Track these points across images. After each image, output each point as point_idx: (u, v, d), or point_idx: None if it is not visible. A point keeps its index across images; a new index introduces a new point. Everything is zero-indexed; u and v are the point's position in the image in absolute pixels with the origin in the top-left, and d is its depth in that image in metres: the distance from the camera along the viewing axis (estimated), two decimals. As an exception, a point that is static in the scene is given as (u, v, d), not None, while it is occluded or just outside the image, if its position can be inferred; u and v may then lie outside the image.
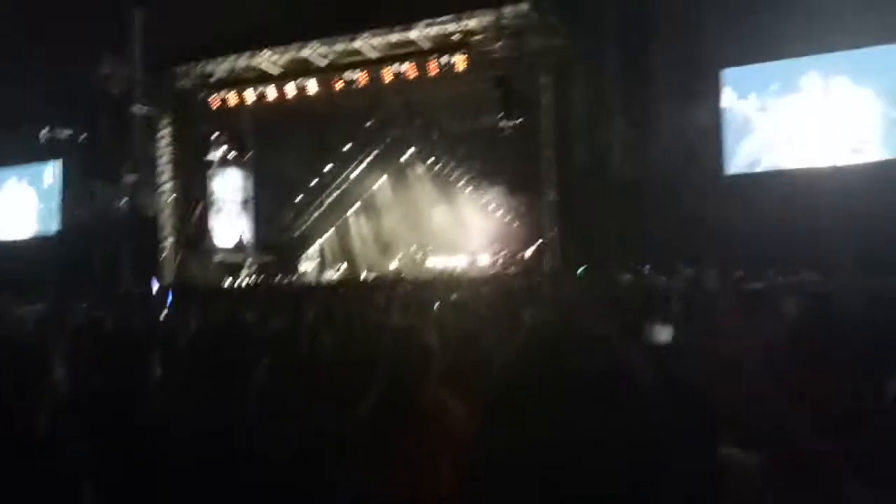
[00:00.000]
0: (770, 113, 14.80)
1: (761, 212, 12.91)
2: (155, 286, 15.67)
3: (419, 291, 9.39)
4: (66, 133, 20.80)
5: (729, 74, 15.01)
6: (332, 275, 19.68)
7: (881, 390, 1.80)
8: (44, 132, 21.07)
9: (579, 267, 14.39)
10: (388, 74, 16.43)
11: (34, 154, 21.26)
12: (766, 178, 14.35)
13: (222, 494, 1.86)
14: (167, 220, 19.33)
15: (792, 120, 14.63)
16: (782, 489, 1.58)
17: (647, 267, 12.76)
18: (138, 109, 19.15)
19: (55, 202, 21.14)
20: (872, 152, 13.77)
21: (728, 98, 15.00)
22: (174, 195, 19.41)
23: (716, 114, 14.94)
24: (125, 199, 19.19)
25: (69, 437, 2.13)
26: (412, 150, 22.12)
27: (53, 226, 21.03)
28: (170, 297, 12.02)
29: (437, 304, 6.35)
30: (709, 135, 14.84)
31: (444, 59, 15.78)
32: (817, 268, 9.34)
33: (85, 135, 19.68)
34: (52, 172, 21.24)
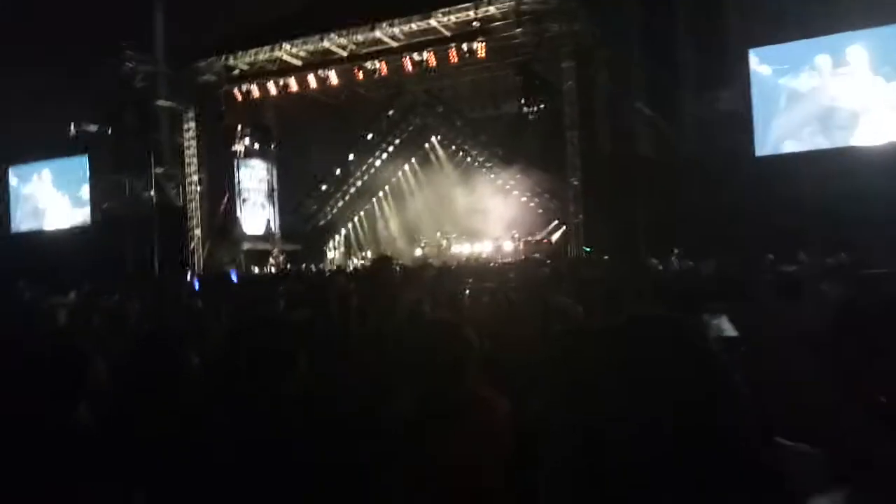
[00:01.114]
0: (801, 93, 14.50)
1: (792, 193, 12.70)
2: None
3: (445, 278, 9.38)
4: (93, 127, 21.09)
5: (757, 54, 14.71)
6: (357, 262, 19.78)
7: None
8: (71, 127, 21.40)
9: (605, 251, 14.30)
10: (408, 63, 16.38)
11: (62, 148, 21.60)
12: (797, 160, 14.08)
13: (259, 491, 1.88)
14: (195, 211, 19.57)
15: (823, 100, 14.33)
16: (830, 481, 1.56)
17: (676, 251, 12.63)
18: (163, 103, 19.37)
19: (84, 195, 21.47)
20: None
21: (757, 79, 14.70)
22: (201, 187, 19.63)
23: (745, 95, 14.66)
24: (153, 192, 19.48)
25: (111, 429, 2.17)
26: (435, 137, 22.09)
27: (83, 218, 21.38)
28: (197, 285, 12.17)
29: (466, 291, 6.34)
30: (737, 117, 14.58)
31: (464, 47, 15.68)
32: (852, 249, 9.17)
33: (111, 129, 19.92)
34: (80, 166, 21.55)
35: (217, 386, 2.55)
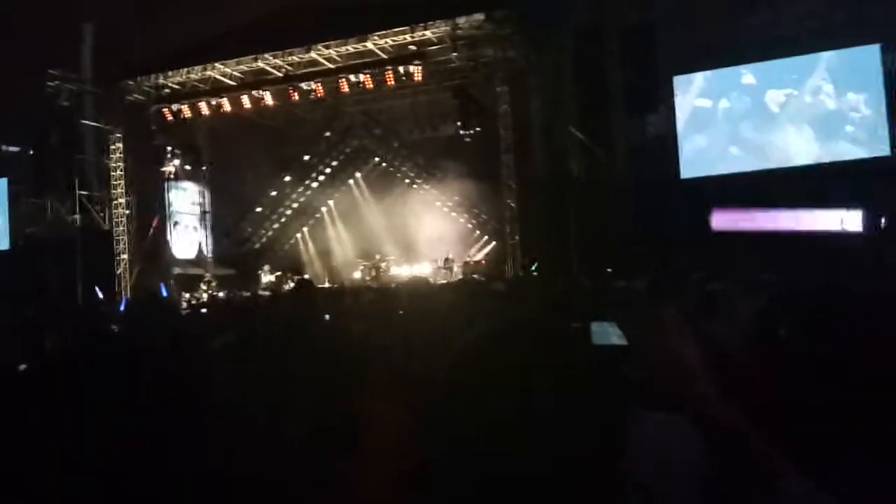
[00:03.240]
0: (724, 117, 15.15)
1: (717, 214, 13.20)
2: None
3: (382, 299, 9.32)
4: (13, 149, 20.22)
5: (682, 81, 15.31)
6: (292, 286, 19.46)
7: (829, 392, 1.83)
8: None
9: (537, 271, 14.55)
10: (345, 85, 16.37)
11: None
12: (722, 182, 14.66)
13: None
14: (122, 234, 18.91)
15: (744, 124, 15.00)
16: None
17: (609, 270, 12.90)
18: (89, 123, 18.75)
19: (2, 219, 20.47)
20: (824, 154, 14.17)
21: (682, 104, 15.29)
22: (129, 210, 19.01)
23: (670, 120, 15.21)
24: (77, 215, 18.74)
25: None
26: (372, 159, 22.08)
27: (1, 243, 20.37)
28: (122, 307, 11.80)
29: (399, 311, 6.30)
30: (664, 140, 15.12)
31: (401, 69, 15.79)
32: (774, 269, 9.56)
33: (33, 150, 19.12)
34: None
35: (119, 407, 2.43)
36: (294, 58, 16.58)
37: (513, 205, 16.18)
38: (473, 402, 1.19)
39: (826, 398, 1.94)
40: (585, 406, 1.19)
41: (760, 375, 2.50)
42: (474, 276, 16.27)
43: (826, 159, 13.91)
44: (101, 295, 16.57)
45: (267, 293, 16.18)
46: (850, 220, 12.63)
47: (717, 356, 2.65)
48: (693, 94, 15.35)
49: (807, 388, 2.12)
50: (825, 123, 14.27)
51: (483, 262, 18.75)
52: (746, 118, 14.97)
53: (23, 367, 3.38)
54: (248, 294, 17.45)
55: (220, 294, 18.21)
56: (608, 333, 1.93)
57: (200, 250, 21.44)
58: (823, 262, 9.98)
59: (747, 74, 14.86)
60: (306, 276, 19.00)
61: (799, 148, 14.38)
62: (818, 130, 14.29)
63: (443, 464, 1.26)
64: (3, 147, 20.45)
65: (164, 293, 16.23)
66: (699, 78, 15.31)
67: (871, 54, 13.70)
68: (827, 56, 14.09)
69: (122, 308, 11.60)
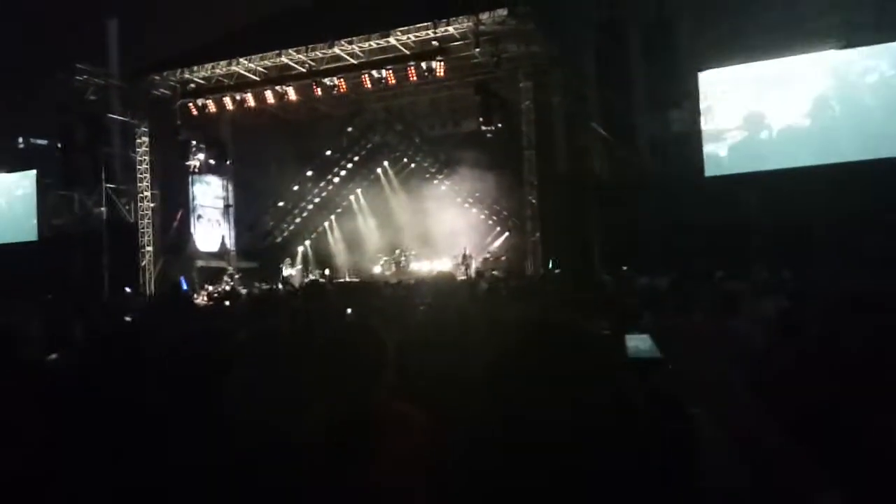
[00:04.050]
0: (749, 114, 14.95)
1: (740, 212, 13.05)
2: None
3: (402, 294, 9.36)
4: (42, 142, 20.57)
5: (707, 76, 15.14)
6: (314, 279, 19.60)
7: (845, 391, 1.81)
8: (20, 141, 20.84)
9: (558, 268, 14.47)
10: (367, 80, 16.41)
11: (10, 163, 21.01)
12: (745, 179, 14.49)
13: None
14: (147, 227, 19.17)
15: (771, 121, 14.79)
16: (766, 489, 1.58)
17: (626, 268, 12.84)
18: (115, 117, 19.02)
19: (32, 211, 20.84)
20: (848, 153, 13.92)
21: (706, 100, 15.12)
22: (154, 203, 19.26)
23: (694, 116, 15.05)
24: (103, 207, 19.03)
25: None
26: (394, 155, 22.13)
27: (30, 234, 20.74)
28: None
29: (421, 306, 6.32)
30: (687, 137, 14.96)
31: (423, 65, 15.78)
32: (794, 267, 9.45)
33: (61, 143, 19.42)
34: (28, 181, 20.96)
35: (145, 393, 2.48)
36: (317, 53, 16.64)
37: (534, 201, 16.12)
38: (514, 403, 1.20)
39: (848, 400, 1.92)
40: (616, 413, 1.20)
41: (784, 376, 2.48)
42: (493, 272, 16.27)
43: (864, 157, 13.56)
44: (129, 290, 16.84)
45: (282, 288, 16.30)
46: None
47: (740, 355, 2.64)
48: (718, 89, 15.16)
49: (830, 389, 2.10)
50: (856, 120, 14.02)
51: (503, 258, 18.72)
52: (774, 114, 14.76)
53: (52, 356, 3.45)
54: (266, 287, 17.61)
55: (241, 288, 18.40)
56: (642, 346, 1.92)
57: (223, 243, 21.66)
58: (848, 263, 9.83)
59: (773, 69, 14.65)
60: (315, 277, 19.18)
61: (828, 145, 14.14)
62: (848, 127, 14.04)
63: (468, 462, 1.27)
64: (32, 140, 20.82)
65: (185, 286, 16.45)
66: (724, 73, 15.12)
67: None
68: (857, 52, 13.85)
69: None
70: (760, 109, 14.86)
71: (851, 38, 13.58)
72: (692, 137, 14.97)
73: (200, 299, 15.56)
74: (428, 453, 1.76)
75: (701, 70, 15.04)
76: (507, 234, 19.18)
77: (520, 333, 1.38)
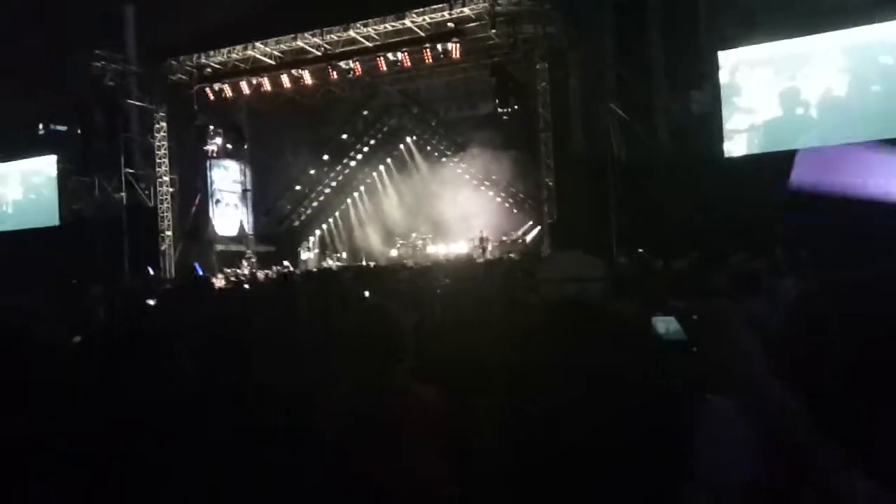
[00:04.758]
0: (769, 94, 14.70)
1: (760, 193, 12.86)
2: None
3: (419, 277, 9.38)
4: (61, 127, 20.74)
5: (727, 56, 14.88)
6: (331, 264, 19.71)
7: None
8: (40, 126, 21.03)
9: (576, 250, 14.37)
10: (382, 63, 16.35)
11: (30, 148, 21.20)
12: (765, 160, 14.28)
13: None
14: (166, 212, 19.35)
15: (790, 101, 14.54)
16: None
17: (642, 251, 12.76)
18: (133, 102, 19.13)
19: (52, 196, 21.06)
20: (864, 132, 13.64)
21: (726, 80, 14.88)
22: (172, 188, 19.41)
23: (714, 96, 14.82)
24: (123, 192, 19.21)
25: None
26: (410, 138, 22.08)
27: (51, 219, 20.98)
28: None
29: (437, 290, 6.34)
30: (707, 118, 14.75)
31: (438, 47, 15.70)
32: (814, 248, 9.33)
33: (80, 129, 19.58)
34: (48, 166, 21.16)
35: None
36: (333, 36, 16.61)
37: (551, 184, 16.04)
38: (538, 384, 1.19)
39: (871, 387, 1.90)
40: (647, 396, 1.19)
41: (806, 359, 2.46)
42: (510, 255, 16.24)
43: (885, 136, 13.30)
44: (151, 271, 17.02)
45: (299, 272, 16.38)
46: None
47: (761, 338, 2.61)
48: (738, 69, 14.91)
49: (852, 374, 2.08)
50: (875, 100, 13.74)
51: (520, 241, 18.65)
52: (793, 95, 14.50)
53: (77, 339, 3.51)
54: (285, 270, 17.72)
55: (259, 272, 18.54)
56: (671, 328, 1.91)
57: (242, 227, 21.82)
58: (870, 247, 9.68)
59: (795, 48, 14.37)
60: (332, 262, 19.22)
61: (849, 126, 13.88)
62: (870, 107, 13.77)
63: (487, 444, 1.28)
64: (52, 126, 21.00)
65: (199, 272, 16.58)
66: (744, 53, 14.85)
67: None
68: (880, 27, 13.54)
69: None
70: (781, 89, 14.60)
71: (874, 14, 13.27)
72: (712, 118, 14.75)
73: (219, 283, 15.70)
74: (447, 436, 1.77)
75: (721, 49, 14.79)
76: (530, 222, 18.96)
77: (545, 314, 1.37)
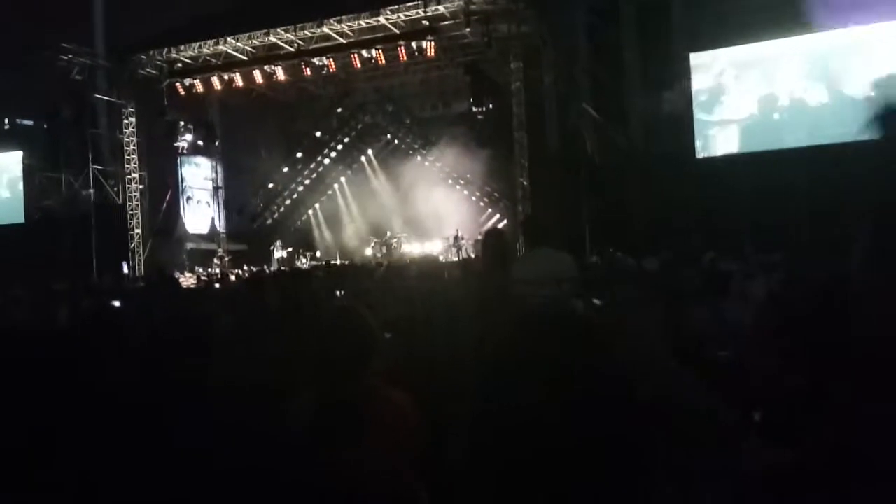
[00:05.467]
0: (740, 95, 14.90)
1: (731, 194, 13.04)
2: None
3: (393, 276, 9.33)
4: (27, 122, 20.29)
5: (698, 58, 15.06)
6: (304, 262, 19.55)
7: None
8: (5, 121, 20.54)
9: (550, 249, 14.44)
10: (357, 60, 16.25)
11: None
12: (736, 161, 14.46)
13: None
14: (136, 209, 19.02)
15: (761, 102, 14.75)
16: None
17: (612, 250, 12.84)
18: (102, 97, 18.78)
19: (18, 192, 20.57)
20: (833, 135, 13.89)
21: (697, 81, 15.05)
22: (142, 184, 19.09)
23: (686, 97, 14.98)
24: (91, 189, 18.84)
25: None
26: (384, 136, 21.99)
27: (17, 216, 20.50)
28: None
29: (411, 289, 6.30)
30: (679, 118, 14.91)
31: (413, 45, 15.64)
32: (784, 248, 9.46)
33: (47, 124, 19.17)
34: (14, 162, 20.67)
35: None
36: (306, 32, 16.45)
37: (525, 182, 16.08)
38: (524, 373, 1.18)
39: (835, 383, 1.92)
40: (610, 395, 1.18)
41: (770, 357, 2.48)
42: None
43: (848, 139, 13.57)
44: (126, 268, 16.70)
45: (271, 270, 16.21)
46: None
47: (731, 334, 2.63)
48: (710, 71, 15.10)
49: (816, 371, 2.10)
50: (843, 102, 14.00)
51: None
52: (764, 96, 14.72)
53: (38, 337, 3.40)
54: (256, 269, 17.54)
55: (230, 270, 18.32)
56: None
57: (213, 225, 21.55)
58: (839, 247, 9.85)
59: (764, 51, 14.59)
60: (305, 261, 19.06)
61: (818, 127, 14.12)
62: (838, 109, 14.03)
63: (456, 444, 1.25)
64: (17, 120, 20.52)
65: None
66: (716, 55, 15.04)
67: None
68: (844, 33, 13.80)
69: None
70: (754, 90, 14.81)
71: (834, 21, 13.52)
72: (684, 118, 14.92)
73: (188, 282, 15.49)
74: (416, 436, 1.74)
75: (693, 51, 14.96)
76: (504, 221, 19.00)
77: (515, 315, 1.36)
